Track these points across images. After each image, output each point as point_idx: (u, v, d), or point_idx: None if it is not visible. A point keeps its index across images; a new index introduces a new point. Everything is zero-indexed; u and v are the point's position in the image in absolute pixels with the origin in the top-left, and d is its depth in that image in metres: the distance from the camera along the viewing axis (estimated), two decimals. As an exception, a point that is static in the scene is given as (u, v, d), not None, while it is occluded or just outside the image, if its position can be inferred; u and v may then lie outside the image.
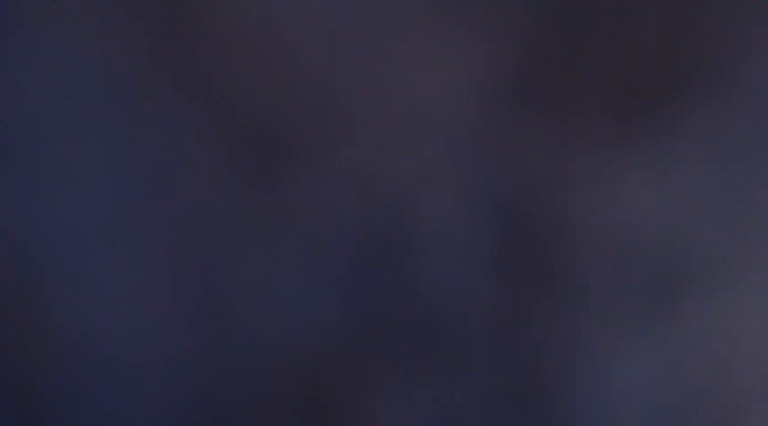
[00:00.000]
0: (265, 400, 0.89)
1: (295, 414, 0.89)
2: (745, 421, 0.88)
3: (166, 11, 0.89)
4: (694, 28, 0.89)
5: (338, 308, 0.89)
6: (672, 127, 0.89)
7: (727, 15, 0.89)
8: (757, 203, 0.89)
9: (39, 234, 0.89)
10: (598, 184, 0.89)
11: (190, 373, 0.89)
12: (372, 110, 0.89)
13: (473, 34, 0.89)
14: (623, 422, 0.88)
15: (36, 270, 0.89)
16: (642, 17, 0.89)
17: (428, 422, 0.89)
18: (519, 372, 0.89)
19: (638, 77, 0.89)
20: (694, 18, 0.89)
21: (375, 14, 0.89)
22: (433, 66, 0.89)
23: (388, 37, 0.89)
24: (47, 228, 0.89)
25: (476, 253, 0.89)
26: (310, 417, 0.89)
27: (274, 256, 0.89)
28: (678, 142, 0.89)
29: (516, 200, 0.89)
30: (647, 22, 0.89)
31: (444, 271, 0.89)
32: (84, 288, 0.89)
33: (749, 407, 0.88)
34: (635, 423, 0.88)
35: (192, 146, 0.89)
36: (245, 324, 0.89)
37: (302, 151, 0.89)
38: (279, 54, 0.89)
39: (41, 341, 0.89)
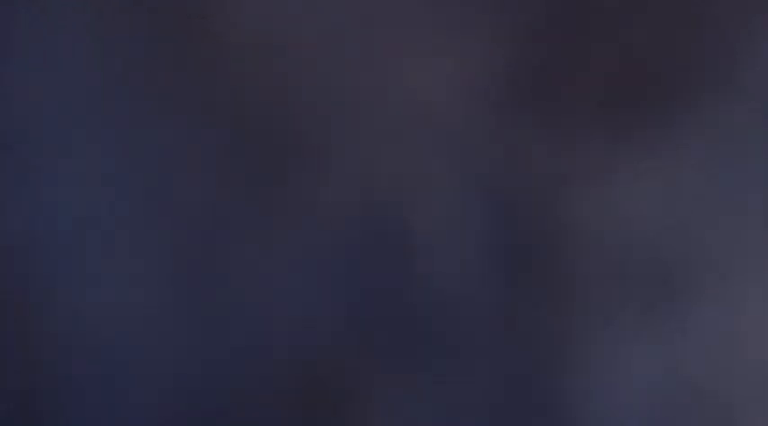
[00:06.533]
0: (266, 400, 0.89)
1: (295, 414, 0.89)
2: (745, 421, 0.88)
3: (168, 11, 0.89)
4: (695, 28, 0.89)
5: (338, 308, 0.89)
6: (673, 127, 0.89)
7: (727, 15, 0.89)
8: (758, 203, 0.89)
9: (39, 235, 0.89)
10: (598, 184, 0.89)
11: (190, 373, 0.89)
12: (372, 111, 0.89)
13: (473, 34, 0.89)
14: (623, 422, 0.88)
15: (36, 271, 0.89)
16: (643, 17, 0.89)
17: (428, 422, 0.89)
18: (519, 372, 0.89)
19: (639, 77, 0.89)
20: (695, 18, 0.89)
21: (375, 15, 0.89)
22: (433, 67, 0.89)
23: (388, 38, 0.89)
24: (47, 229, 0.89)
25: (476, 254, 0.89)
26: (310, 417, 0.89)
27: (275, 256, 0.89)
28: (679, 142, 0.89)
29: (516, 200, 0.89)
30: (649, 22, 0.89)
31: (444, 272, 0.89)
32: (85, 288, 0.89)
33: (749, 407, 0.88)
34: (635, 423, 0.88)
35: (192, 147, 0.89)
36: (246, 325, 0.89)
37: (303, 152, 0.89)
38: (280, 56, 0.89)
39: (42, 341, 0.89)
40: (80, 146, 0.89)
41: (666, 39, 0.89)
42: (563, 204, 0.89)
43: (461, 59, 0.89)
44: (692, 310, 0.89)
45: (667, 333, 0.89)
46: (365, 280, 0.89)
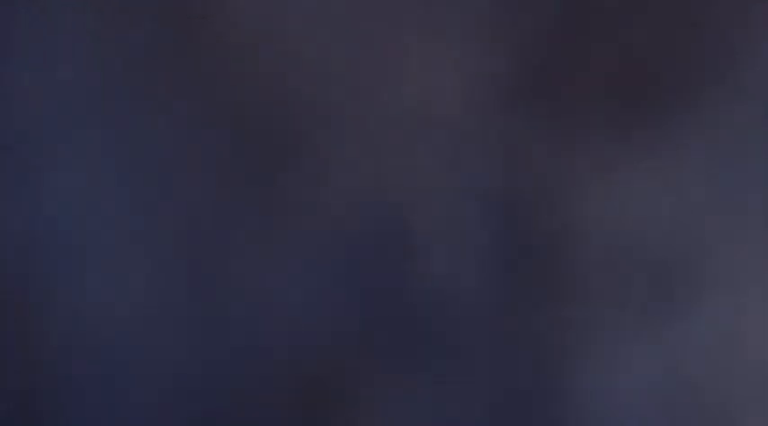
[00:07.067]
0: (266, 400, 0.89)
1: (295, 414, 0.89)
2: (744, 422, 0.88)
3: (168, 11, 0.89)
4: (695, 28, 0.89)
5: (338, 308, 0.89)
6: (673, 127, 0.89)
7: (728, 15, 0.89)
8: (757, 204, 0.89)
9: (39, 235, 0.89)
10: (599, 184, 0.89)
11: (190, 373, 0.89)
12: (373, 112, 0.89)
13: (473, 34, 0.89)
14: (623, 422, 0.88)
15: (36, 271, 0.89)
16: (643, 17, 0.89)
17: (428, 422, 0.89)
18: (519, 372, 0.89)
19: (640, 77, 0.89)
20: (695, 18, 0.89)
21: (375, 16, 0.89)
22: (433, 67, 0.89)
23: (388, 38, 0.89)
24: (47, 229, 0.89)
25: (476, 254, 0.89)
26: (310, 417, 0.89)
27: (275, 256, 0.89)
28: (679, 142, 0.89)
29: (516, 201, 0.89)
30: (649, 22, 0.89)
31: (445, 272, 0.89)
32: (85, 288, 0.89)
33: (749, 407, 0.88)
34: (635, 423, 0.88)
35: (192, 148, 0.89)
36: (246, 325, 0.89)
37: (303, 152, 0.89)
38: (279, 56, 0.89)
39: (42, 341, 0.89)
40: (80, 146, 0.89)
41: (666, 39, 0.89)
42: (563, 204, 0.89)
43: (462, 59, 0.89)
44: (692, 310, 0.89)
45: (667, 333, 0.89)
46: (365, 280, 0.89)
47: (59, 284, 0.89)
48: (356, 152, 0.89)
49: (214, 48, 0.89)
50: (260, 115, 0.89)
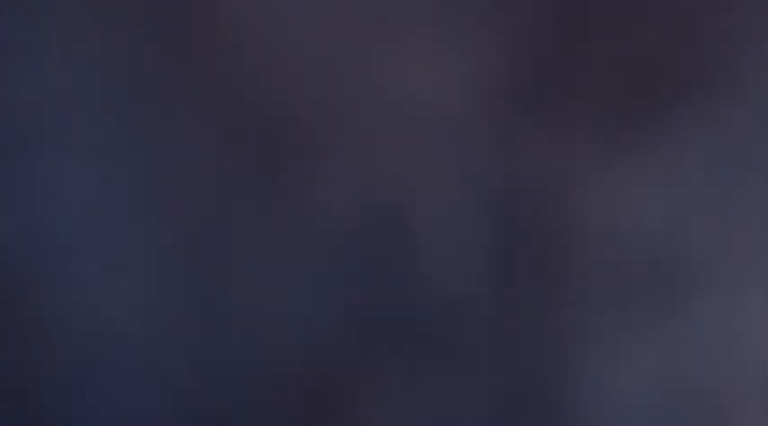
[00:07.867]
0: (265, 402, 0.89)
1: (295, 414, 0.89)
2: (744, 422, 0.88)
3: (168, 11, 0.89)
4: (695, 29, 0.89)
5: (338, 308, 0.89)
6: (672, 127, 0.89)
7: (727, 16, 0.89)
8: (757, 204, 0.89)
9: (39, 235, 0.89)
10: (598, 185, 0.89)
11: (190, 373, 0.89)
12: (373, 111, 0.89)
13: (472, 34, 0.89)
14: (623, 422, 0.88)
15: (36, 271, 0.89)
16: (644, 18, 0.89)
17: (428, 422, 0.89)
18: (519, 372, 0.89)
19: (639, 78, 0.89)
20: (696, 19, 0.89)
21: (376, 16, 0.89)
22: (432, 67, 0.89)
23: (388, 38, 0.89)
24: (47, 229, 0.89)
25: (475, 255, 0.89)
26: (310, 417, 0.89)
27: (275, 256, 0.89)
28: (679, 142, 0.89)
29: (516, 202, 0.89)
30: (649, 23, 0.89)
31: (444, 273, 0.89)
32: (84, 288, 0.89)
33: (749, 407, 0.88)
34: (635, 423, 0.88)
35: (190, 148, 0.89)
36: (246, 325, 0.89)
37: (303, 152, 0.89)
38: (277, 56, 0.89)
39: (42, 341, 0.89)
40: (80, 146, 0.89)
41: (669, 40, 0.89)
42: (563, 203, 0.89)
43: (462, 59, 0.89)
44: (692, 310, 0.89)
45: (668, 333, 0.89)
46: (365, 280, 0.89)
47: (59, 284, 0.89)
48: (356, 152, 0.89)
49: (215, 49, 0.89)
50: (260, 115, 0.89)
